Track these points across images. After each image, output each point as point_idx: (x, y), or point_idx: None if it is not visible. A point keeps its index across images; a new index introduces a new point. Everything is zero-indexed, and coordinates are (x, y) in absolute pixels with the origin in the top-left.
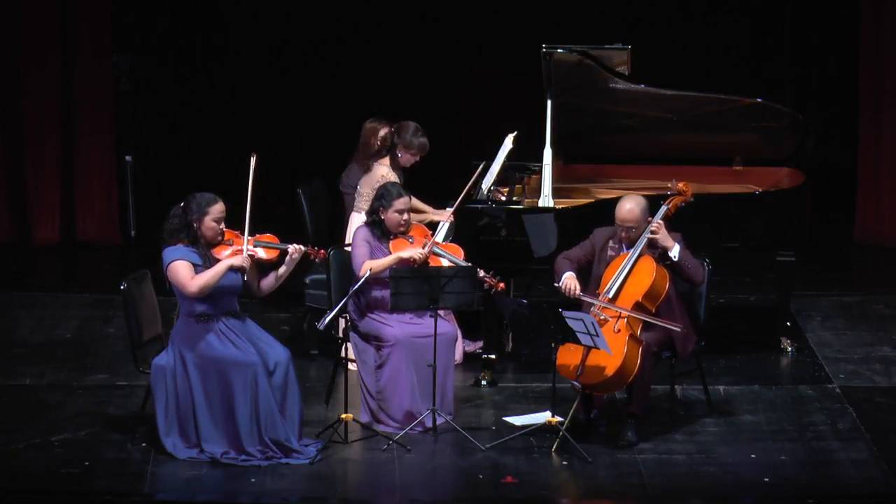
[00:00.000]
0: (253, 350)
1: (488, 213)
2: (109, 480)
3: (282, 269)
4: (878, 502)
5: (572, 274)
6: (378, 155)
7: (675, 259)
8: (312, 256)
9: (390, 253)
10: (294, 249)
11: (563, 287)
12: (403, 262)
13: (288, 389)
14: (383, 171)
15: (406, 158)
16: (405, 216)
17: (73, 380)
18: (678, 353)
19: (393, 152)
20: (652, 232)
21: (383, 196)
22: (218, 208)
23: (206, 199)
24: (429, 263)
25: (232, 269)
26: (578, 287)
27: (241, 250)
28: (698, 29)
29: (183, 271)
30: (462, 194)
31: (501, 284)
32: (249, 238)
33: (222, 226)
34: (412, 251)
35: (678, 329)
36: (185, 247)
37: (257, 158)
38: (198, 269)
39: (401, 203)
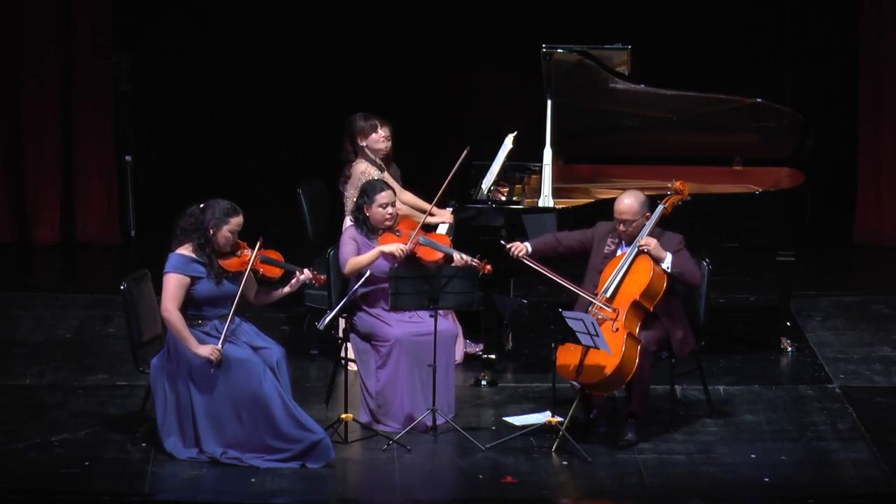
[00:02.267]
0: (248, 349)
1: (488, 213)
2: (109, 480)
3: (285, 290)
4: (878, 502)
5: (528, 245)
6: (348, 163)
7: (668, 270)
8: (312, 281)
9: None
10: (302, 278)
11: (510, 245)
12: (387, 256)
13: (282, 388)
14: (361, 168)
15: (374, 141)
16: (389, 210)
17: (73, 380)
18: (675, 353)
19: (361, 151)
20: (640, 248)
21: (366, 192)
22: (237, 220)
23: (226, 209)
24: (416, 254)
25: (215, 350)
26: (524, 252)
27: (215, 349)
28: (698, 29)
29: (171, 289)
30: (444, 184)
31: (488, 267)
32: (257, 254)
33: (236, 237)
34: (395, 245)
35: (604, 306)
36: (193, 255)
37: (261, 243)
38: (199, 281)
39: (383, 197)
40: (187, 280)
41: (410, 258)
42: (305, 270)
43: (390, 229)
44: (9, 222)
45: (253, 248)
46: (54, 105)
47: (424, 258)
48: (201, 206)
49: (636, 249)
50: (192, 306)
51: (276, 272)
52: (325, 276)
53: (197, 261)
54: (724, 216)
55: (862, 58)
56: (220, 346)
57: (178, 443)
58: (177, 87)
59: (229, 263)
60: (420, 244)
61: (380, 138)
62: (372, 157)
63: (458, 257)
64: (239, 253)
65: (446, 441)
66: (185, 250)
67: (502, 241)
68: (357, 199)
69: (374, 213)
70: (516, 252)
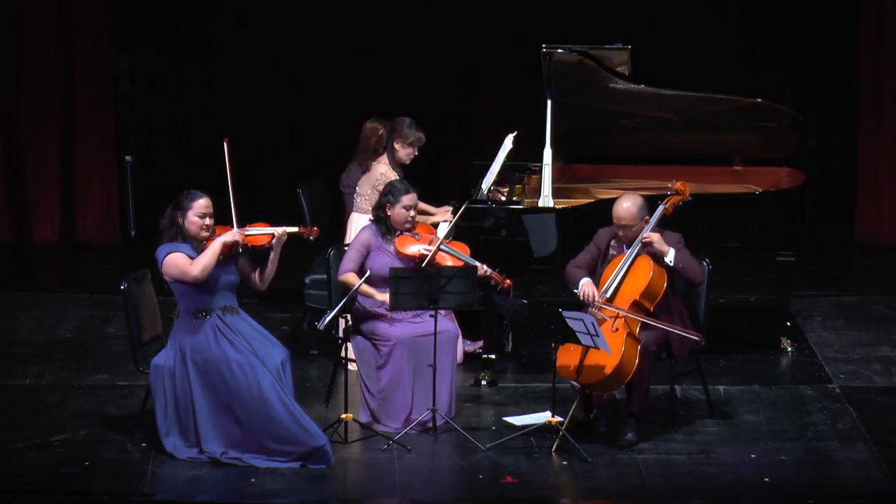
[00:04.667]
0: (251, 350)
1: (488, 213)
2: (109, 480)
3: (271, 255)
4: (878, 502)
5: (589, 280)
6: (375, 154)
7: (671, 264)
8: (306, 235)
9: (394, 250)
10: (280, 233)
11: (582, 294)
12: (408, 258)
13: (285, 389)
14: (382, 169)
15: (404, 153)
16: (412, 213)
17: (73, 380)
18: (675, 350)
19: (390, 149)
20: (644, 242)
21: (390, 192)
22: (201, 203)
23: (190, 195)
24: (436, 262)
25: (226, 245)
26: (597, 293)
27: (235, 231)
28: (698, 29)
29: (180, 260)
30: (454, 219)
31: (508, 281)
32: (241, 230)
33: (207, 221)
34: (418, 248)
35: (677, 331)
36: (178, 243)
37: (230, 143)
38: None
39: (408, 199)
40: (185, 254)
41: (429, 263)
42: (279, 229)
43: (409, 232)
44: (9, 222)
45: (232, 227)
46: (54, 105)
47: (442, 265)
48: (173, 203)
49: (637, 248)
50: (192, 298)
51: (264, 240)
52: (317, 228)
53: (184, 244)
54: (724, 216)
55: (862, 58)
56: (235, 228)
57: (178, 443)
58: (177, 87)
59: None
60: (441, 251)
61: (412, 154)
62: (394, 161)
63: (480, 269)
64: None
65: (446, 441)
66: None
67: (575, 290)
68: (381, 198)
69: (397, 214)
70: (591, 298)
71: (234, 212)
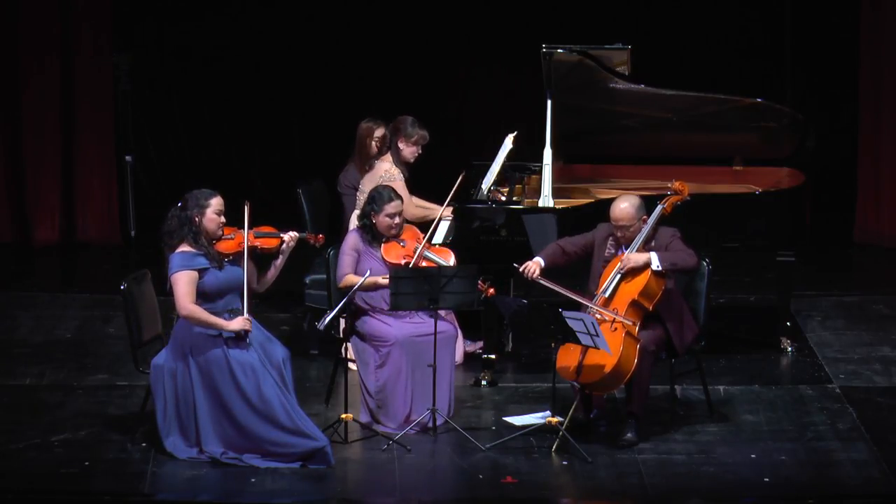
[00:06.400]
0: (253, 349)
1: (488, 213)
2: (109, 480)
3: (279, 260)
4: (878, 502)
5: (540, 260)
6: (379, 154)
7: (659, 268)
8: (312, 241)
9: (381, 257)
10: (289, 238)
11: (523, 267)
12: (379, 285)
13: (286, 389)
14: (385, 167)
15: (409, 151)
16: (396, 220)
17: (73, 380)
18: (676, 345)
19: (394, 148)
20: (622, 272)
21: (374, 200)
22: (217, 201)
23: (205, 194)
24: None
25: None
26: (538, 272)
27: (246, 320)
28: (698, 29)
29: (183, 287)
30: (453, 190)
31: (492, 290)
32: (250, 232)
33: (223, 219)
34: (402, 262)
35: (613, 315)
36: (192, 249)
37: (251, 207)
38: (206, 273)
39: (391, 207)
40: (195, 274)
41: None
42: (293, 233)
43: (395, 238)
44: (9, 222)
45: (243, 228)
46: (54, 105)
47: None
48: (179, 204)
49: (635, 248)
50: (204, 302)
51: (272, 243)
52: (322, 235)
53: (198, 254)
54: (724, 216)
55: (862, 58)
56: (245, 315)
57: (178, 442)
58: (177, 87)
59: (226, 246)
60: (425, 258)
61: (416, 152)
62: (398, 160)
63: None
64: (232, 235)
65: (446, 441)
66: (183, 248)
67: (515, 265)
68: (365, 206)
69: (381, 222)
70: (530, 274)
71: (245, 278)
